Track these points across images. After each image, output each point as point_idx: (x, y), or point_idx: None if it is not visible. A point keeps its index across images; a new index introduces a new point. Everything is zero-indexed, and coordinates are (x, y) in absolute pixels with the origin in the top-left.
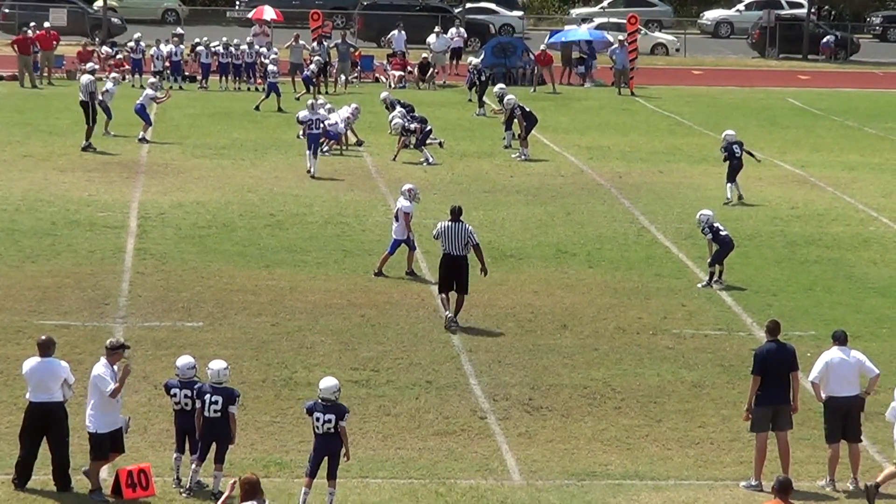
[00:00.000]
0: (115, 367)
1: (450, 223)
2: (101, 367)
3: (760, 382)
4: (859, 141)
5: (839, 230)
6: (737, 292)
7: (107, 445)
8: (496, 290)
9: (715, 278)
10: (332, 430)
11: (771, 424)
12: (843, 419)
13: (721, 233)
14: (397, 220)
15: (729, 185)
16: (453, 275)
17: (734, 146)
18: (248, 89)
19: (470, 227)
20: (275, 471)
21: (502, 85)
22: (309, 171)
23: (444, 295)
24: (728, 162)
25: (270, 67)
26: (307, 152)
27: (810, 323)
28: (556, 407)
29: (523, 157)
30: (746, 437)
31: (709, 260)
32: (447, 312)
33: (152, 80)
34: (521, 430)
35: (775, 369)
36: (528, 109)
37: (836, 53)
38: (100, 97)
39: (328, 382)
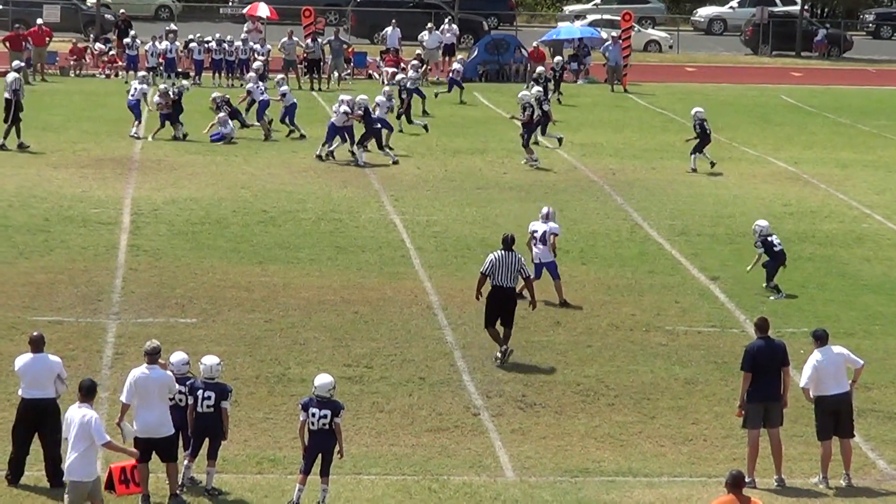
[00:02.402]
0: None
1: (502, 253)
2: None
3: (752, 379)
4: (852, 138)
5: (832, 227)
6: (730, 289)
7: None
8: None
9: (774, 289)
10: (327, 427)
11: (763, 421)
12: (834, 416)
13: (775, 248)
14: (544, 243)
15: (694, 155)
16: (501, 308)
17: (704, 122)
18: (241, 85)
19: (521, 258)
20: (268, 467)
21: (525, 92)
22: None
23: (492, 329)
24: (699, 138)
25: (256, 64)
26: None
27: (803, 320)
28: (549, 403)
29: (534, 163)
30: (740, 433)
31: (764, 282)
32: (503, 346)
33: (142, 73)
34: (515, 426)
35: (766, 365)
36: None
37: (829, 50)
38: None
39: (323, 380)
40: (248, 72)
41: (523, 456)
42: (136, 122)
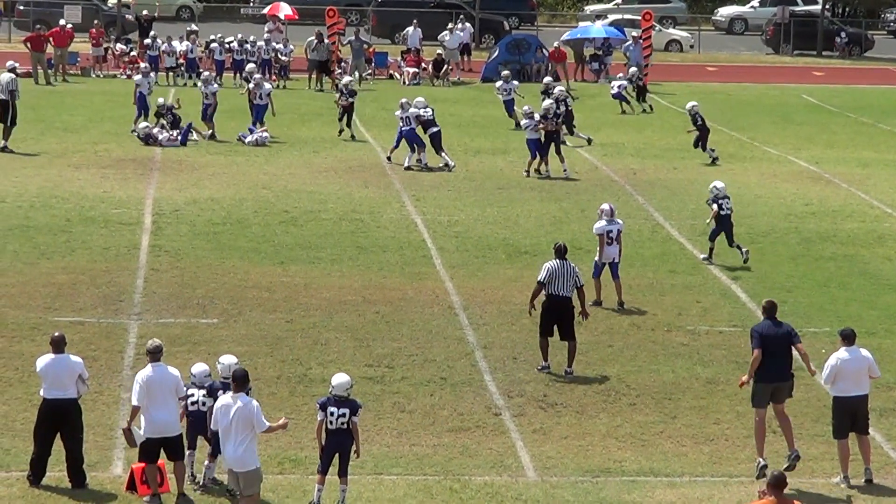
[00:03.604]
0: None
1: (557, 262)
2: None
3: (761, 359)
4: (874, 137)
5: (854, 227)
6: (752, 289)
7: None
8: (511, 287)
9: (742, 254)
10: (345, 426)
11: (770, 399)
12: (852, 417)
13: (722, 212)
14: (619, 241)
15: (701, 149)
16: (557, 318)
17: (698, 115)
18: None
19: (576, 267)
20: (289, 467)
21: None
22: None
23: (545, 339)
24: (699, 131)
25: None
26: (409, 153)
27: (825, 320)
28: (570, 403)
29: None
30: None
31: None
32: (546, 362)
33: (144, 65)
34: (536, 426)
35: (774, 346)
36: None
37: (850, 50)
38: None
39: (341, 379)
40: (270, 73)
41: (545, 456)
42: (138, 118)
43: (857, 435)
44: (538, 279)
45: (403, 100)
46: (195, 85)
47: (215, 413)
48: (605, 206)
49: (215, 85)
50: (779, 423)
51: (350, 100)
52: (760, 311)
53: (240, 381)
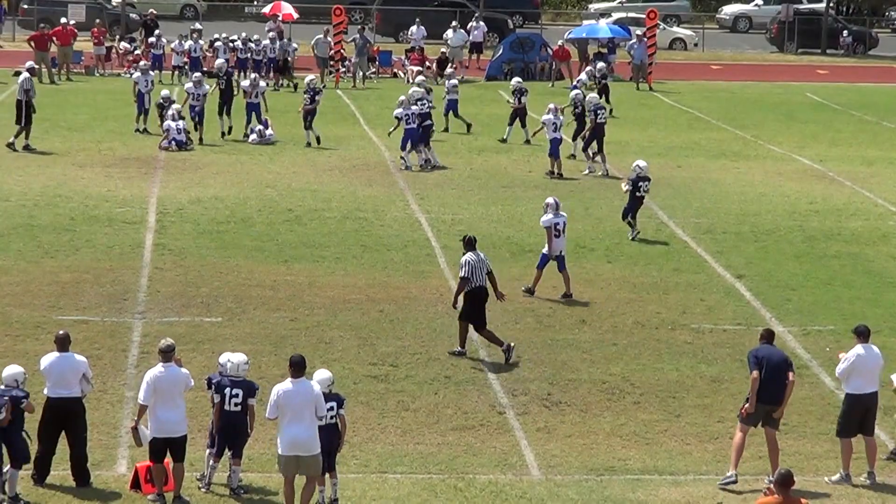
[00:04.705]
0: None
1: (471, 254)
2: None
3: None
4: (878, 135)
5: (858, 225)
6: (756, 287)
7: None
8: (515, 285)
9: (632, 232)
10: (333, 420)
11: (761, 422)
12: (863, 415)
13: (637, 193)
14: (564, 234)
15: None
16: (480, 307)
17: (599, 110)
18: (266, 85)
19: (483, 254)
20: None
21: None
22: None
23: (468, 327)
24: (593, 125)
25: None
26: (408, 150)
27: (829, 318)
28: (574, 402)
29: (592, 171)
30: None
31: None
32: (463, 348)
33: (143, 63)
34: (540, 424)
35: (771, 369)
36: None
37: (854, 48)
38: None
39: (322, 375)
40: (274, 71)
41: (549, 454)
42: (139, 116)
43: (864, 436)
44: (462, 275)
45: (402, 97)
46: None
47: (276, 398)
48: (550, 200)
49: (206, 87)
50: (768, 448)
51: (312, 104)
52: (759, 339)
53: (298, 367)
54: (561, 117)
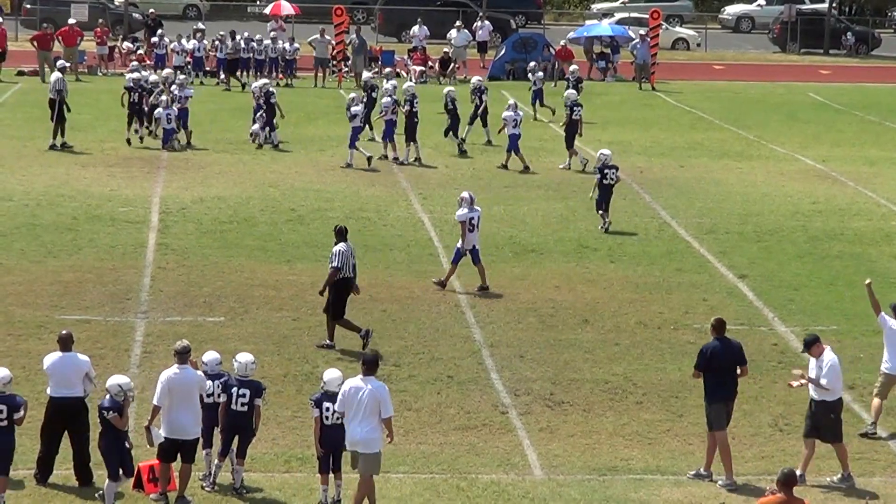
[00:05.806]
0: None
1: (344, 245)
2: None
3: (713, 379)
4: (881, 136)
5: (861, 225)
6: (758, 287)
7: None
8: (518, 285)
9: (603, 223)
10: (340, 421)
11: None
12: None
13: (604, 181)
14: (478, 228)
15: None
16: (344, 297)
17: (576, 107)
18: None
19: (352, 245)
20: (296, 466)
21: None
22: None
23: (342, 321)
24: (568, 123)
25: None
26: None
27: (832, 318)
28: (577, 402)
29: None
30: (767, 432)
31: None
32: (331, 341)
33: (134, 63)
34: (543, 424)
35: (722, 365)
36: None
37: (857, 48)
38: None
39: (332, 374)
40: (276, 70)
41: (551, 454)
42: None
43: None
44: (333, 265)
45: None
46: (202, 83)
47: (344, 395)
48: (465, 195)
49: (190, 89)
50: (719, 448)
51: (262, 111)
52: (710, 329)
53: (370, 365)
54: (520, 113)
